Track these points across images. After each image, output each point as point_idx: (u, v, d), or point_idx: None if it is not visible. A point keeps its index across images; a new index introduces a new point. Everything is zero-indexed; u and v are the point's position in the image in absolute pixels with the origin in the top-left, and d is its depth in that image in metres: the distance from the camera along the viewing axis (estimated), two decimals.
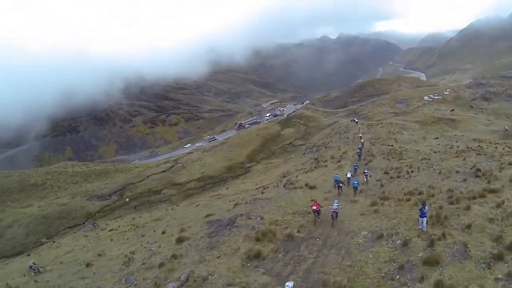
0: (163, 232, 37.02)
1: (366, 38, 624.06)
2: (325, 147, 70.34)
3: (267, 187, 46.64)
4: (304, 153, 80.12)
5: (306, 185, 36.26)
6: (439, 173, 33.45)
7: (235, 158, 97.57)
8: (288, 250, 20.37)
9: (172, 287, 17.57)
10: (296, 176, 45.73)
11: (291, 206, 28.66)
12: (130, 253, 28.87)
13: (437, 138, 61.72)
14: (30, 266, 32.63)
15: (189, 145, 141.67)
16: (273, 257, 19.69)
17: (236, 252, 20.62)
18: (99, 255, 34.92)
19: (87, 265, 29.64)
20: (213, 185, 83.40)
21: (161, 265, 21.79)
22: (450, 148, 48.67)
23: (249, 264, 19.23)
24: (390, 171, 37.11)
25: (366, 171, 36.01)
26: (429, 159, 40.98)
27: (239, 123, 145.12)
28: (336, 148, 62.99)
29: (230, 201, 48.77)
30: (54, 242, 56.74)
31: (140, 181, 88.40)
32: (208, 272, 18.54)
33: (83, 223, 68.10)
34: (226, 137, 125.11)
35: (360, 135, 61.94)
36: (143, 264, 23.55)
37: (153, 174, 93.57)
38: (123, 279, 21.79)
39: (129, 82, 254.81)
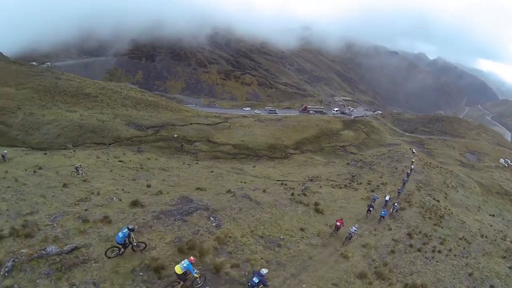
0: (148, 186, 34.97)
1: (463, 71, 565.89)
2: (370, 167, 62.34)
3: (283, 183, 42.07)
4: (348, 164, 72.49)
5: (315, 205, 30.67)
6: (469, 275, 24.33)
7: (282, 139, 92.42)
8: None
9: (51, 250, 15.50)
10: (320, 187, 40.06)
11: (271, 227, 23.14)
12: (98, 192, 28.65)
13: (493, 215, 48.95)
14: (76, 168, 37.36)
15: (248, 108, 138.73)
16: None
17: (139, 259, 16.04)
18: (84, 180, 34.55)
19: (64, 185, 30.14)
20: (245, 157, 79.50)
21: (85, 220, 19.67)
22: (502, 238, 37.28)
23: (137, 274, 15.14)
24: (415, 236, 28.86)
25: (396, 203, 34.43)
26: (470, 244, 31.20)
27: (305, 106, 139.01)
28: (379, 175, 55.11)
29: (240, 182, 46.06)
30: (74, 151, 57.16)
31: (181, 125, 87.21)
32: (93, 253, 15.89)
33: (109, 144, 68.40)
34: (286, 115, 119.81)
35: (409, 170, 53.12)
36: (87, 210, 22.35)
37: (197, 123, 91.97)
38: (52, 216, 20.32)
39: (217, 31, 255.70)
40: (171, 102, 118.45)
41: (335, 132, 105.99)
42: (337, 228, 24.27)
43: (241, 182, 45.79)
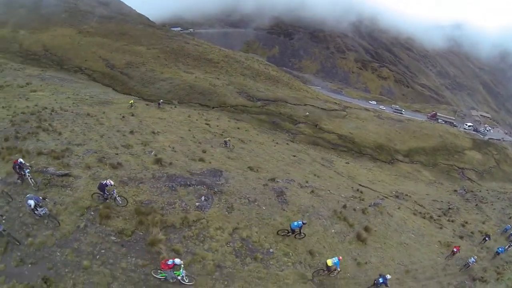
0: (203, 151, 33.05)
1: None
2: (477, 205, 47.99)
3: (358, 190, 35.59)
4: (454, 191, 58.08)
5: (364, 229, 23.41)
6: None
7: (395, 141, 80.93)
8: None
9: (49, 170, 19.39)
10: (397, 208, 32.05)
11: (266, 233, 18.98)
12: (149, 143, 30.28)
13: None
14: (225, 142, 39.83)
15: (374, 102, 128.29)
16: None
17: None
18: (153, 132, 35.95)
19: (130, 132, 33.44)
20: (347, 151, 72.26)
21: (100, 161, 22.18)
22: None
23: (88, 212, 16.69)
24: None
25: None
26: None
27: (434, 113, 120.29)
28: (483, 218, 41.93)
29: (312, 174, 41.11)
30: (174, 106, 60.49)
31: (293, 104, 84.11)
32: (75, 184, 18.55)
33: (212, 107, 70.75)
34: (411, 118, 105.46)
35: None
36: (116, 154, 24.74)
37: (311, 105, 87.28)
38: (87, 151, 24.06)
39: (361, 19, 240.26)
40: (294, 80, 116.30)
41: (459, 149, 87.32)
42: (453, 253, 24.81)
43: (314, 175, 40.63)
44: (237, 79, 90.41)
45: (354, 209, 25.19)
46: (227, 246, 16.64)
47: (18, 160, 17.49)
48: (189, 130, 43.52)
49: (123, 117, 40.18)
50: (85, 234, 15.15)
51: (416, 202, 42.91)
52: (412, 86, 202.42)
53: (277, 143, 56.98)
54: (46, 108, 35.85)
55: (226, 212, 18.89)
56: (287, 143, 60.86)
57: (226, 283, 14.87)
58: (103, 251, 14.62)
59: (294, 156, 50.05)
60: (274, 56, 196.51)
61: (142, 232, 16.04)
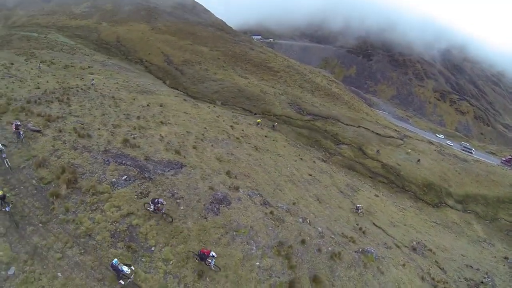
0: (194, 147, 33.86)
1: None
2: None
3: (360, 229, 32.57)
4: (505, 258, 48.77)
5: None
6: None
7: (450, 182, 72.05)
8: None
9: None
10: (401, 266, 28.48)
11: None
12: (146, 128, 31.55)
13: None
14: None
15: (442, 136, 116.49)
16: None
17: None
18: (161, 122, 37.90)
19: (137, 117, 35.64)
20: (386, 183, 66.66)
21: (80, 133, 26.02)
22: None
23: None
24: None
25: None
26: None
27: (510, 157, 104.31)
28: None
29: (305, 196, 38.41)
30: (214, 106, 62.82)
31: (346, 123, 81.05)
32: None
33: (254, 113, 71.81)
34: (480, 160, 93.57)
35: None
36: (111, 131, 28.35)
37: (365, 128, 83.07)
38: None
39: (450, 47, 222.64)
40: (356, 100, 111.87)
41: None
42: None
43: (317, 199, 38.02)
44: (293, 90, 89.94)
45: (319, 250, 22.16)
46: (111, 224, 17.56)
47: (16, 122, 22.12)
48: (205, 128, 44.49)
49: (148, 105, 43.07)
50: (18, 173, 19.50)
51: (438, 262, 36.11)
52: (493, 125, 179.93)
53: (301, 158, 55.35)
54: (78, 85, 40.14)
55: (135, 197, 19.55)
56: (314, 161, 58.70)
57: (75, 249, 16.44)
58: (22, 187, 18.73)
59: (310, 175, 47.99)
60: (351, 76, 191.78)
61: (53, 184, 19.24)
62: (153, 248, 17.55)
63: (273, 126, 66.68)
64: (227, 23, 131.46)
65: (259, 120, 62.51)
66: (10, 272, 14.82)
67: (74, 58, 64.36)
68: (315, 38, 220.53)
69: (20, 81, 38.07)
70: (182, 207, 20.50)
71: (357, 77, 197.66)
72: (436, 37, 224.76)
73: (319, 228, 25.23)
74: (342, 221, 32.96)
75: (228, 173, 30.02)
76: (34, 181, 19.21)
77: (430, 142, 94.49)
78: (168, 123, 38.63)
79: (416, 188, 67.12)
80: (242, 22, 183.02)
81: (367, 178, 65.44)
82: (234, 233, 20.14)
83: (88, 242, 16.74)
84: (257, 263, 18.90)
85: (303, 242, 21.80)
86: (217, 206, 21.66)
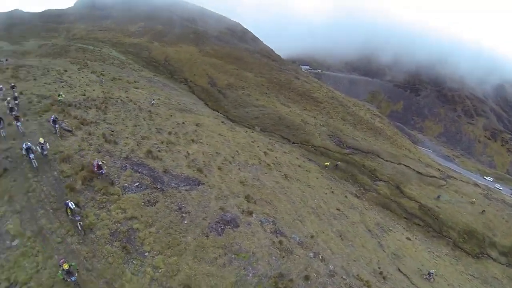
0: (219, 168, 34.00)
1: None
2: None
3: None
4: None
5: None
6: None
7: (494, 230, 65.55)
8: None
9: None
10: None
11: None
12: (175, 144, 32.59)
13: None
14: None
15: (490, 179, 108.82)
16: None
17: None
18: (192, 140, 38.95)
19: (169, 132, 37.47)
20: (422, 226, 61.73)
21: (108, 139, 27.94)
22: None
23: None
24: None
25: None
26: None
27: None
28: None
29: (327, 231, 36.28)
30: (251, 132, 63.46)
31: (386, 160, 78.09)
32: None
33: (292, 142, 71.45)
34: None
35: None
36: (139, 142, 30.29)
37: (406, 166, 79.35)
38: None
39: (503, 83, 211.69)
40: (400, 136, 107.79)
41: None
42: None
43: (339, 235, 35.97)
44: (335, 122, 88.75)
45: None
46: (113, 224, 18.50)
47: (52, 116, 25.12)
48: (237, 151, 44.65)
49: (183, 123, 44.31)
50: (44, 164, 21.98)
51: None
52: None
53: (332, 192, 53.33)
54: (120, 97, 42.50)
55: (142, 203, 20.20)
56: (346, 196, 56.33)
57: (74, 238, 17.63)
58: (44, 176, 21.06)
59: (338, 209, 45.84)
60: (397, 111, 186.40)
61: (71, 179, 21.16)
62: (146, 254, 17.77)
63: (336, 165, 65.38)
64: (276, 51, 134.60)
65: (327, 163, 61.50)
66: (14, 243, 16.89)
67: (122, 72, 68.70)
68: (364, 71, 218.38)
69: (69, 86, 41.41)
70: (185, 221, 20.45)
71: (404, 113, 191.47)
72: (489, 71, 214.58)
73: (330, 266, 23.59)
74: (362, 262, 30.88)
75: (247, 197, 29.36)
76: (55, 173, 21.36)
77: (476, 185, 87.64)
78: (199, 142, 39.23)
79: (455, 234, 61.76)
80: (291, 51, 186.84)
81: (401, 218, 61.48)
82: (233, 256, 19.50)
83: (87, 235, 17.74)
84: None
85: (306, 278, 20.37)
86: (222, 227, 21.24)
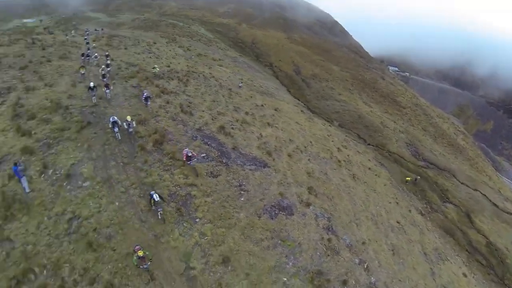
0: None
1: None
2: None
3: None
4: None
5: None
6: None
7: None
8: None
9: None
10: None
11: None
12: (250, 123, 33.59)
13: None
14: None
15: None
16: None
17: None
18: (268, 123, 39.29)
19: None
20: (484, 266, 54.98)
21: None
22: None
23: None
24: None
25: None
26: None
27: None
28: None
29: (381, 242, 34.40)
30: (329, 126, 62.65)
31: (461, 182, 71.90)
32: None
33: (368, 144, 68.80)
34: None
35: None
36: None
37: (482, 194, 72.03)
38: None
39: None
40: (482, 160, 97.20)
41: None
42: None
43: (391, 249, 34.15)
44: (415, 131, 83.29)
45: None
46: (173, 186, 20.48)
47: (145, 93, 28.14)
48: (310, 142, 44.33)
49: (262, 105, 44.94)
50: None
51: None
52: None
53: (397, 202, 50.38)
54: (203, 72, 44.74)
55: (205, 174, 21.71)
56: (410, 210, 52.87)
57: (136, 191, 19.92)
58: (121, 134, 23.52)
59: (398, 223, 43.37)
60: (485, 132, 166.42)
61: (144, 139, 23.81)
62: (197, 220, 19.06)
63: (415, 179, 62.49)
64: (364, 47, 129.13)
65: (409, 178, 59.11)
66: (84, 184, 19.52)
67: (208, 49, 71.70)
68: (455, 82, 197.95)
69: (156, 57, 44.75)
70: (242, 199, 21.35)
71: (492, 134, 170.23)
72: None
73: (372, 278, 22.66)
74: (407, 284, 29.21)
75: (310, 188, 29.24)
76: (130, 129, 23.91)
77: None
78: (275, 126, 39.51)
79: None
80: (380, 50, 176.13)
81: (463, 250, 55.68)
82: (279, 241, 19.83)
83: (148, 190, 19.46)
84: (284, 279, 18.20)
85: (344, 283, 19.93)
86: (276, 212, 21.64)
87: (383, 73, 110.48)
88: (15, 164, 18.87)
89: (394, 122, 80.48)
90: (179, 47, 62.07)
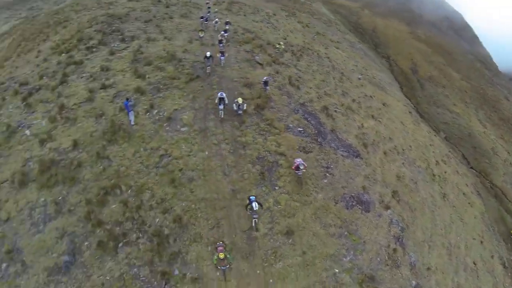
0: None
1: None
2: None
3: None
4: None
5: None
6: None
7: None
8: None
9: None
10: None
11: None
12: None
13: None
14: None
15: None
16: None
17: None
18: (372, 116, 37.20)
19: None
20: None
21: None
22: None
23: None
24: None
25: None
26: None
27: None
28: None
29: (452, 267, 31.43)
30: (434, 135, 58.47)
31: None
32: None
33: (470, 167, 62.44)
34: None
35: None
36: None
37: None
38: None
39: None
40: None
41: None
42: None
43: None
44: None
45: None
46: (263, 151, 22.05)
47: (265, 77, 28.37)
48: (410, 146, 40.82)
49: (371, 96, 43.02)
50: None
51: None
52: None
53: (481, 241, 44.61)
54: (319, 51, 44.64)
55: (297, 147, 22.80)
56: (492, 256, 46.11)
57: (228, 146, 21.92)
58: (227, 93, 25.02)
59: (475, 264, 38.23)
60: None
61: (246, 103, 24.79)
62: (276, 188, 20.06)
63: None
64: (494, 58, 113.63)
65: None
66: (182, 129, 22.22)
67: (328, 29, 70.15)
68: None
69: (273, 28, 45.55)
70: (325, 180, 21.73)
71: None
72: None
73: None
74: None
75: (394, 192, 27.82)
76: (235, 92, 25.83)
77: None
78: (378, 120, 37.66)
79: None
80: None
81: None
82: (346, 233, 19.78)
83: (238, 149, 21.39)
84: (336, 270, 18.11)
85: None
86: (353, 203, 21.53)
87: (509, 93, 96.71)
88: (127, 99, 22.69)
89: (508, 152, 70.67)
90: (298, 22, 62.07)
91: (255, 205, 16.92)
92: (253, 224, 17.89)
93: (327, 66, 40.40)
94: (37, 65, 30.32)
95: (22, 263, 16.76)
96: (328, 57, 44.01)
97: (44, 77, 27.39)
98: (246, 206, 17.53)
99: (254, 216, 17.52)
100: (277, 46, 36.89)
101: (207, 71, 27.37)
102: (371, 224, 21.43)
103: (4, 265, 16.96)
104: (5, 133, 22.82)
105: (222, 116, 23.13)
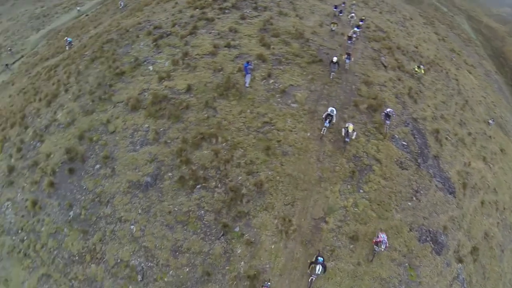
0: None
1: None
2: None
3: None
4: None
5: None
6: None
7: None
8: None
9: None
10: None
11: None
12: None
13: None
14: None
15: None
16: None
17: None
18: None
19: None
20: None
21: None
22: None
23: None
24: None
25: None
26: None
27: None
28: None
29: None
30: None
31: None
32: None
33: None
34: None
35: None
36: None
37: None
38: None
39: None
40: None
41: None
42: None
43: None
44: None
45: None
46: (360, 149, 21.68)
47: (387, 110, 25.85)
48: None
49: (490, 137, 37.59)
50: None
51: None
52: None
53: None
54: (449, 70, 41.25)
55: (395, 160, 22.05)
56: None
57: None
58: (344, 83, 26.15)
59: None
60: None
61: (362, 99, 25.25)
62: (361, 191, 19.89)
63: None
64: None
65: None
66: (293, 105, 23.21)
67: (465, 48, 62.29)
68: None
69: (407, 33, 43.94)
70: (409, 203, 20.67)
71: None
72: None
73: None
74: None
75: (474, 249, 23.99)
76: (353, 86, 25.86)
77: None
78: (489, 165, 32.16)
79: None
80: None
81: None
82: (406, 264, 18.60)
83: (339, 141, 21.55)
84: None
85: None
86: (427, 238, 19.92)
87: None
88: (247, 62, 23.63)
89: None
90: (434, 32, 56.86)
91: (319, 268, 15.31)
92: (310, 283, 16.09)
93: (453, 88, 36.91)
94: (172, 14, 33.61)
95: (112, 169, 19.99)
96: (457, 79, 40.01)
97: (176, 25, 30.37)
98: (310, 265, 15.91)
99: (313, 276, 15.78)
100: (417, 69, 32.92)
101: (331, 77, 26.19)
102: (436, 269, 19.55)
103: (98, 166, 20.31)
104: (132, 63, 26.24)
105: (324, 133, 21.13)
